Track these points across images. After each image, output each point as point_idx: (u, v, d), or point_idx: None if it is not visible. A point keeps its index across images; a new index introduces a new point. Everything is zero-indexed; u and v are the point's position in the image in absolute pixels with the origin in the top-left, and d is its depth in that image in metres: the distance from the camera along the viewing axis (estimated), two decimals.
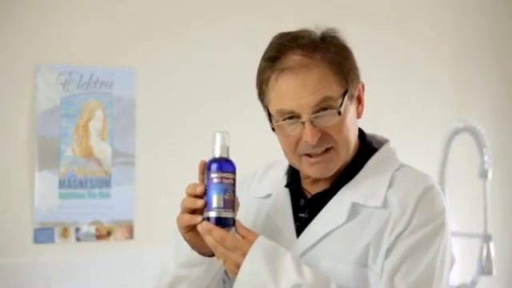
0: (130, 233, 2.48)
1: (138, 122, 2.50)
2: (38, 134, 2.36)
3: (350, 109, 1.34)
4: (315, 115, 1.29)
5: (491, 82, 3.25)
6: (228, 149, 1.28)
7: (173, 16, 2.58)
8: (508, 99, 3.30)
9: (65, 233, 2.39)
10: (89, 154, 2.44)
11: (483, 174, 2.69)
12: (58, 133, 2.39)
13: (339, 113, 1.29)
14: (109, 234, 2.45)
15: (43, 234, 2.36)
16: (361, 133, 1.41)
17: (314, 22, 1.35)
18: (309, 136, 1.29)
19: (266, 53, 1.35)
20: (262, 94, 1.36)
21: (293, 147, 1.33)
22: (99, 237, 2.44)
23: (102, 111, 2.46)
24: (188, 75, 2.59)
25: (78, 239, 2.41)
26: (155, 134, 2.53)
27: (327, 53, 1.31)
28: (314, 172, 1.34)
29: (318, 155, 1.32)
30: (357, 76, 1.36)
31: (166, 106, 2.55)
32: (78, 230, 2.41)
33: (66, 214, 2.39)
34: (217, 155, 1.27)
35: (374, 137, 1.44)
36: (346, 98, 1.31)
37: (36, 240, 2.35)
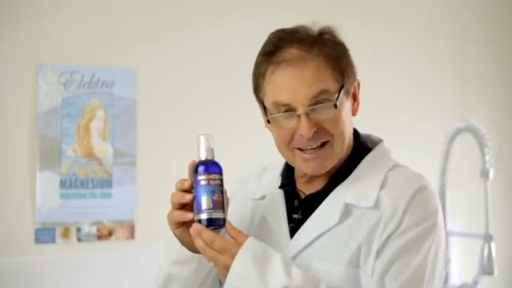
0: (131, 233, 2.48)
1: (139, 122, 2.50)
2: (40, 133, 2.36)
3: (346, 104, 1.34)
4: (311, 108, 1.28)
5: (492, 82, 3.25)
6: (213, 150, 1.28)
7: (174, 16, 2.58)
8: (509, 99, 3.29)
9: (66, 233, 2.39)
10: (90, 154, 2.44)
11: (484, 174, 2.69)
12: (59, 133, 2.39)
13: (335, 106, 1.29)
14: (110, 234, 2.45)
15: (44, 234, 2.36)
16: (355, 133, 1.41)
17: (313, 21, 1.36)
18: (304, 129, 1.28)
19: (263, 48, 1.35)
20: (257, 88, 1.35)
21: (287, 140, 1.32)
22: (100, 237, 2.44)
23: (103, 111, 2.46)
24: (189, 75, 2.58)
25: (79, 239, 2.41)
26: (156, 133, 2.53)
27: (324, 48, 1.31)
28: (309, 168, 1.34)
29: (313, 150, 1.31)
30: (353, 73, 1.36)
31: (167, 106, 2.55)
32: (79, 230, 2.41)
33: (68, 214, 2.39)
34: (202, 158, 1.27)
35: (368, 137, 1.43)
36: (342, 92, 1.31)
37: (37, 240, 2.35)
